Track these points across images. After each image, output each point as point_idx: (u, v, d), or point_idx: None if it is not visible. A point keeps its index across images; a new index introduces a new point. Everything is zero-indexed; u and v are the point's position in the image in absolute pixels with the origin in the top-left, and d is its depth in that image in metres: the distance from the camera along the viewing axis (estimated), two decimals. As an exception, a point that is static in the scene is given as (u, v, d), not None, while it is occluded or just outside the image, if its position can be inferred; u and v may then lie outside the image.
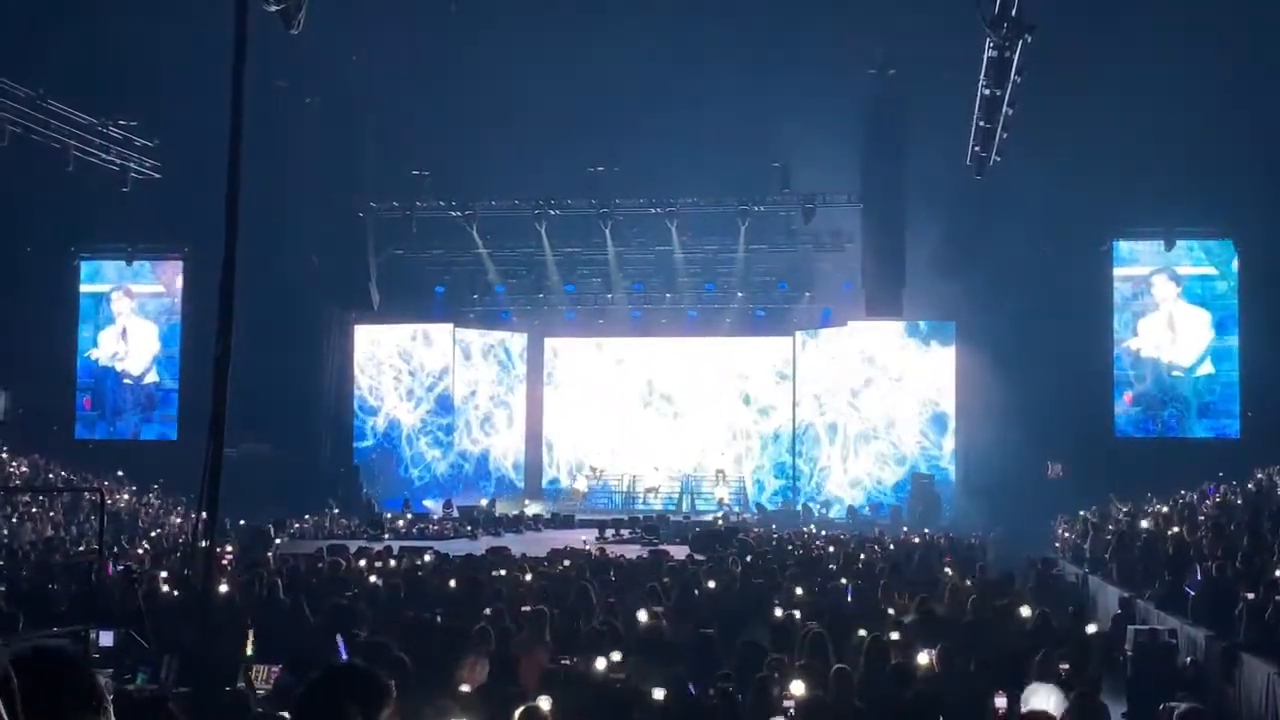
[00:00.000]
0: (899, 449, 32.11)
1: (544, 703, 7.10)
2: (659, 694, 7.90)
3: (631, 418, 36.23)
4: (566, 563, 17.20)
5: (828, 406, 33.50)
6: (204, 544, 6.74)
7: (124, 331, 35.65)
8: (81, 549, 20.85)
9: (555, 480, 36.49)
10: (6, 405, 31.40)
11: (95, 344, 35.68)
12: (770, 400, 35.37)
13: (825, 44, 26.88)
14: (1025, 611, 11.68)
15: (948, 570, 15.93)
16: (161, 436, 34.98)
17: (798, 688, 7.81)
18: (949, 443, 31.84)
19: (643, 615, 10.56)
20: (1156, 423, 31.23)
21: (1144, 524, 20.12)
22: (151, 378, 35.57)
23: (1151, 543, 17.66)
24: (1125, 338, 31.40)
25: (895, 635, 10.20)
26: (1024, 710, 7.22)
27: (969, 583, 14.39)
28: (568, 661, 9.11)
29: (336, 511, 29.57)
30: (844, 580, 14.78)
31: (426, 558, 18.23)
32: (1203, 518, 19.53)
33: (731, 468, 34.88)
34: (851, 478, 32.51)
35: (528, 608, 11.07)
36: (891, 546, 21.61)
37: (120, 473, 30.51)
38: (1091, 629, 12.62)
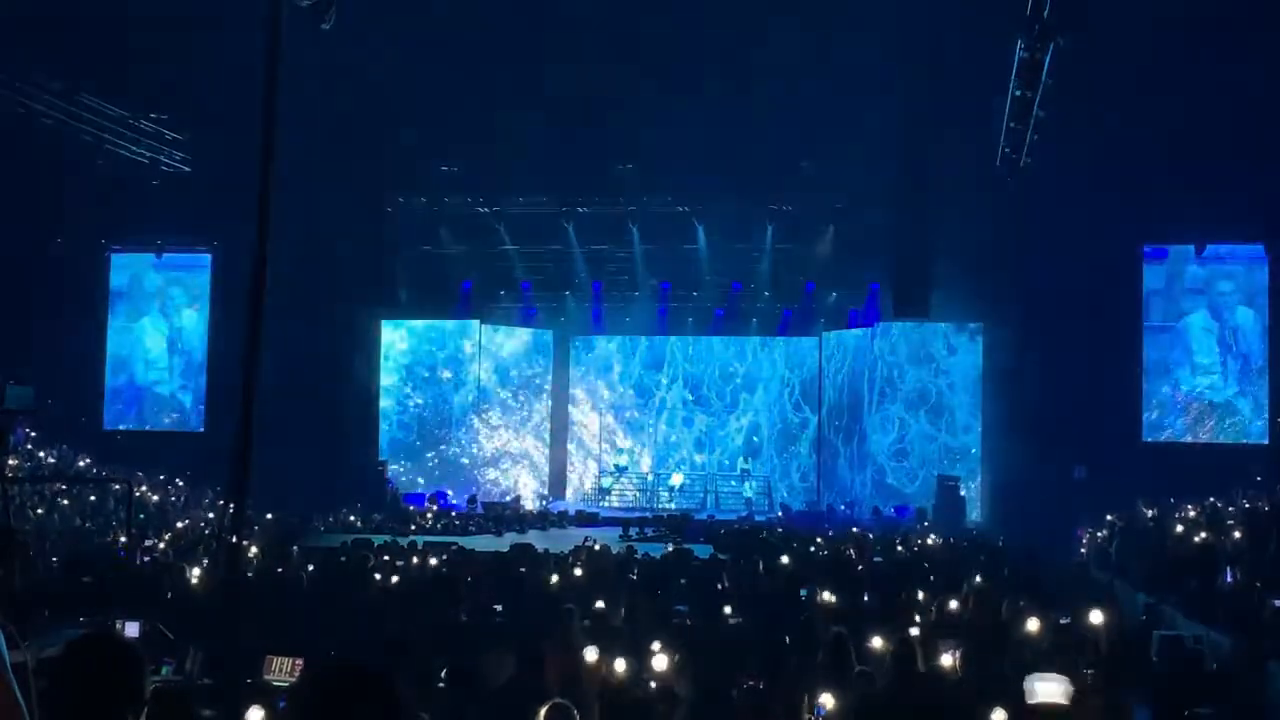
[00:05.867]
0: (927, 448, 32.05)
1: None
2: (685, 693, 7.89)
3: (656, 416, 36.26)
4: (590, 560, 17.19)
5: (856, 404, 33.49)
6: (231, 537, 6.76)
7: (153, 324, 35.84)
8: (109, 540, 20.97)
9: (579, 477, 36.58)
10: (34, 396, 31.56)
11: (124, 335, 35.88)
12: (795, 399, 35.30)
13: (856, 43, 26.78)
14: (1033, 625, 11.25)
15: (975, 574, 15.84)
16: (188, 429, 35.16)
17: (828, 700, 7.73)
18: (974, 445, 31.73)
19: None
20: (1185, 428, 31.02)
21: (1170, 529, 20.01)
22: (179, 370, 35.75)
23: (1178, 547, 17.56)
24: (1154, 342, 31.21)
25: (917, 635, 10.15)
26: (1030, 702, 7.22)
27: (993, 585, 14.30)
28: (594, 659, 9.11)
29: (361, 506, 29.68)
30: (868, 581, 14.75)
31: (451, 553, 18.29)
32: (1231, 523, 19.41)
33: (756, 467, 34.86)
34: (879, 470, 32.47)
35: (554, 604, 11.07)
36: (916, 548, 21.57)
37: (147, 464, 30.63)
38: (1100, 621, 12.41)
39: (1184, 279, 31.20)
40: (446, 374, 35.09)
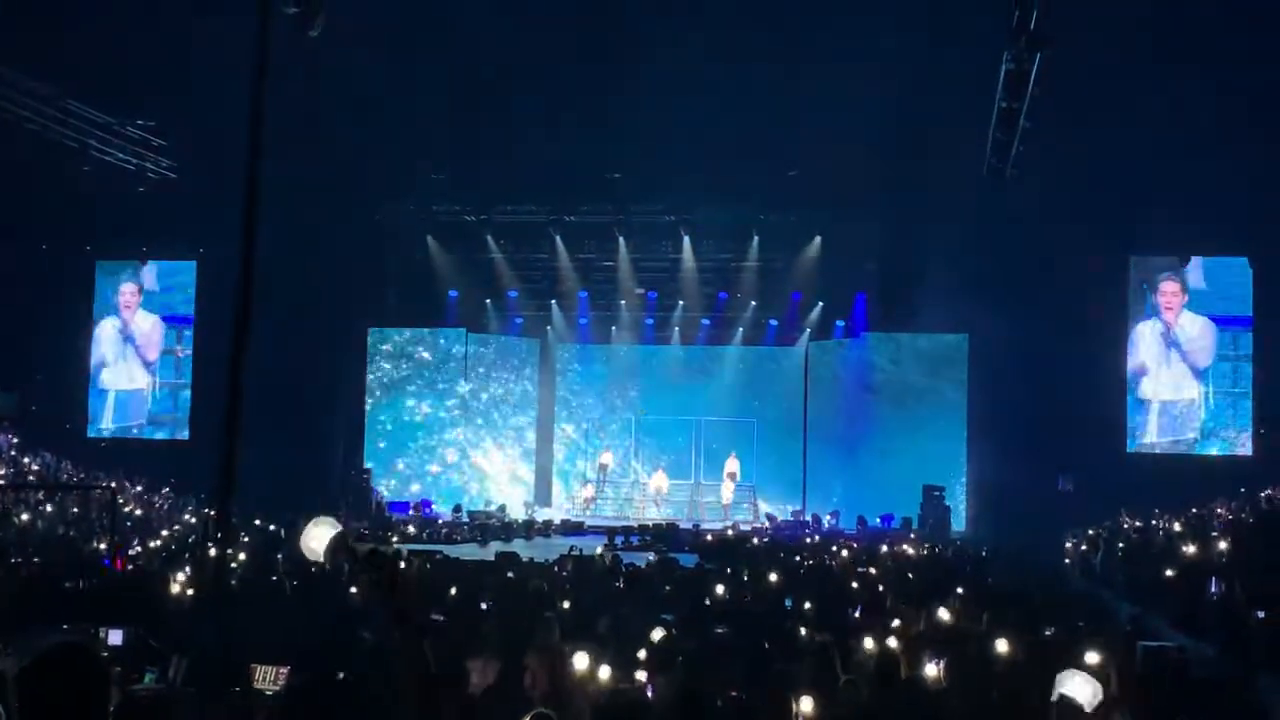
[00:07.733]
0: (912, 458, 32.03)
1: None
2: (667, 699, 7.86)
3: (642, 424, 36.20)
4: (575, 568, 17.16)
5: (842, 414, 33.53)
6: (215, 545, 6.74)
7: (138, 331, 35.73)
8: (92, 547, 20.88)
9: (565, 486, 36.53)
10: (18, 402, 31.54)
11: (108, 343, 35.76)
12: (781, 410, 35.27)
13: (842, 53, 26.80)
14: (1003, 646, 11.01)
15: (958, 584, 15.84)
16: (173, 436, 35.05)
17: (806, 704, 7.71)
18: (960, 454, 31.76)
19: (657, 633, 10.45)
20: (1169, 439, 31.07)
21: (1155, 540, 20.05)
22: (164, 377, 35.64)
23: (1162, 558, 17.60)
24: (1138, 352, 31.28)
25: (902, 646, 10.14)
26: (1055, 695, 7.07)
27: (977, 596, 14.30)
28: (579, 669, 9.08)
29: (345, 514, 29.56)
30: (853, 589, 14.74)
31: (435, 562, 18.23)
32: (1215, 534, 19.47)
33: (741, 476, 34.78)
34: (864, 480, 32.48)
35: (538, 612, 11.04)
36: (898, 548, 21.60)
37: (131, 472, 30.53)
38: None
39: (1167, 288, 31.28)
40: (433, 382, 35.06)
